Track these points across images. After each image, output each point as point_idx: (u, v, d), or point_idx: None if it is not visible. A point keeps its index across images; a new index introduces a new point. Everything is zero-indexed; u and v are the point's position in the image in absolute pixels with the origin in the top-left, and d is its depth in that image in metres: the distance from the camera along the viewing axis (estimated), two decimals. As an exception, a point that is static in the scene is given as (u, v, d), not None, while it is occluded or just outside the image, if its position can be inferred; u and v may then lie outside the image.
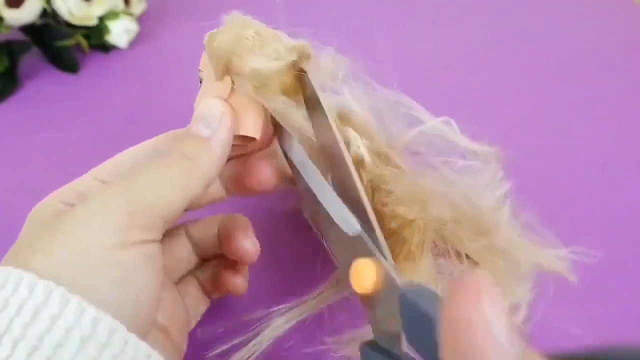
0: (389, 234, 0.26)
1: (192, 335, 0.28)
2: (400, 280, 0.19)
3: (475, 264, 0.28)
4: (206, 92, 0.24)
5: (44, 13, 0.51)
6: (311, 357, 0.29)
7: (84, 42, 0.54)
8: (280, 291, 0.33)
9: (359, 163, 0.27)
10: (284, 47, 0.24)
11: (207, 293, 0.30)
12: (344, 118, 0.31)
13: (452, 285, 0.14)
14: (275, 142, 0.26)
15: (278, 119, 0.25)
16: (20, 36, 0.53)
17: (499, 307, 0.13)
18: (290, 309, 0.28)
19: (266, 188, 0.26)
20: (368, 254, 0.20)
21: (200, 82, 0.25)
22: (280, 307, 0.28)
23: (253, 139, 0.24)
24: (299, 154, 0.24)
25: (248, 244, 0.26)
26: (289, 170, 0.26)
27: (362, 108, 0.32)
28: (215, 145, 0.22)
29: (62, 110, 0.48)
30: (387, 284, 0.19)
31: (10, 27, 0.49)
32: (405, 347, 0.18)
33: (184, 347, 0.26)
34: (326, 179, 0.23)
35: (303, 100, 0.26)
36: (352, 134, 0.28)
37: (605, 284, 0.33)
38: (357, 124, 0.31)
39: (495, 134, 0.45)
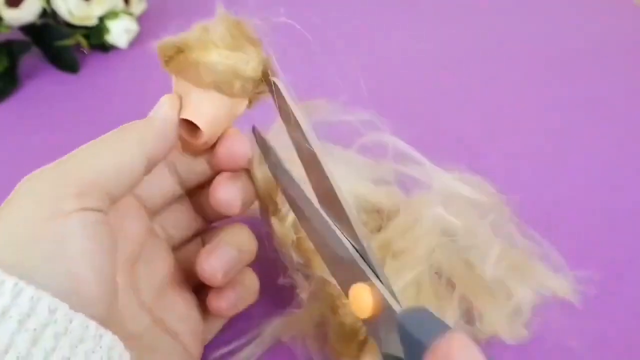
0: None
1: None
2: (397, 305, 0.19)
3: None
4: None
5: (44, 13, 0.51)
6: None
7: (84, 42, 0.54)
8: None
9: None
10: (250, 54, 0.24)
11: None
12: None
13: (432, 349, 0.14)
14: (247, 163, 0.25)
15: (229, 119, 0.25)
16: (20, 36, 0.53)
17: None
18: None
19: (231, 211, 0.25)
20: (364, 277, 0.20)
21: None
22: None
23: (199, 129, 0.23)
24: (280, 166, 0.24)
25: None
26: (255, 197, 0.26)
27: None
28: (153, 118, 0.23)
29: (62, 110, 0.48)
30: (385, 308, 0.19)
31: (10, 27, 0.49)
32: None
33: (196, 354, 0.25)
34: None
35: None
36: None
37: (605, 296, 0.32)
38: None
39: (496, 134, 0.45)
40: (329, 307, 0.27)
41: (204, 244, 0.28)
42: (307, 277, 0.27)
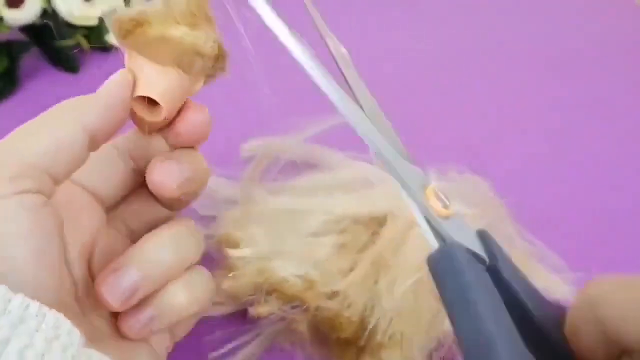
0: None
1: (194, 335, 0.28)
2: None
3: None
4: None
5: (44, 13, 0.51)
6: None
7: (84, 42, 0.54)
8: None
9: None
10: (208, 32, 0.24)
11: None
12: None
13: None
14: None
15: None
16: (20, 36, 0.53)
17: None
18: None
19: (166, 193, 0.22)
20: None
21: None
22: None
23: (156, 105, 0.22)
24: None
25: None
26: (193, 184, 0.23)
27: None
28: (98, 93, 0.21)
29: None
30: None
31: (10, 27, 0.49)
32: None
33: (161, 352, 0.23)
34: None
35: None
36: None
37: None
38: None
39: (496, 134, 0.45)
40: (327, 325, 0.27)
41: None
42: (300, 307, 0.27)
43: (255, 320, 0.28)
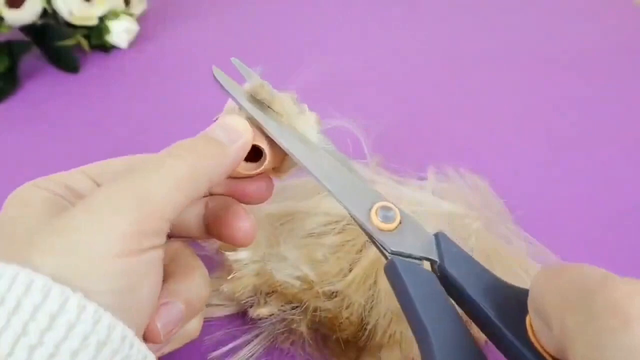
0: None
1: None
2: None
3: None
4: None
5: (44, 13, 0.51)
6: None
7: (84, 42, 0.54)
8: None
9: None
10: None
11: None
12: None
13: None
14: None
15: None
16: (21, 36, 0.53)
17: None
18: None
19: (242, 243, 0.24)
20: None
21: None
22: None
23: (262, 158, 0.23)
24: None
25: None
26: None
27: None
28: (230, 150, 0.21)
29: (62, 110, 0.48)
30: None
31: (10, 27, 0.49)
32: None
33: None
34: None
35: None
36: None
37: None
38: None
39: (496, 134, 0.45)
40: (327, 325, 0.27)
41: None
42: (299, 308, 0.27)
43: (255, 321, 0.28)
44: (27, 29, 0.51)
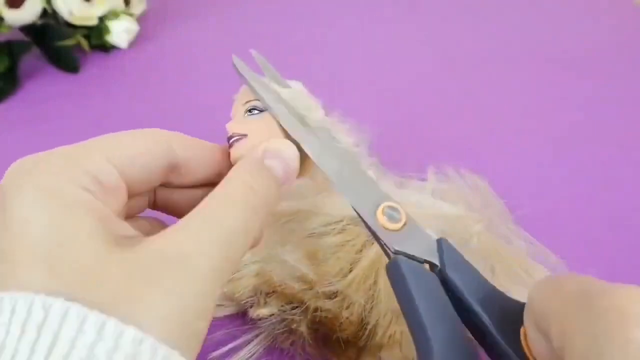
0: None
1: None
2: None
3: None
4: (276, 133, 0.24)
5: (44, 13, 0.51)
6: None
7: (84, 42, 0.54)
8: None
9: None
10: None
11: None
12: None
13: None
14: None
15: None
16: (21, 36, 0.53)
17: None
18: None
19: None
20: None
21: (251, 111, 0.24)
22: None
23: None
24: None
25: None
26: None
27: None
28: (283, 191, 0.21)
29: (62, 110, 0.48)
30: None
31: (10, 27, 0.49)
32: None
33: None
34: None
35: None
36: None
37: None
38: None
39: (496, 134, 0.45)
40: (327, 325, 0.27)
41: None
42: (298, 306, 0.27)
43: (255, 321, 0.28)
44: (27, 29, 0.52)
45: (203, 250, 0.16)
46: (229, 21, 0.61)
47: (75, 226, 0.16)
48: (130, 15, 0.57)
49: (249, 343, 0.28)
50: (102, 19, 0.54)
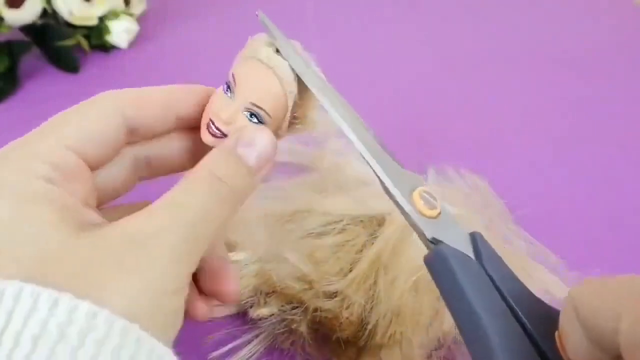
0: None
1: (194, 335, 0.28)
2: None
3: None
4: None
5: (44, 13, 0.51)
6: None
7: (84, 42, 0.54)
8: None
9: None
10: None
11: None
12: None
13: None
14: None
15: None
16: (21, 36, 0.53)
17: None
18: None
19: (229, 301, 0.23)
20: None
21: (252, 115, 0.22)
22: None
23: None
24: None
25: (235, 287, 0.23)
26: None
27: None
28: (257, 180, 0.20)
29: (62, 110, 0.48)
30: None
31: (10, 27, 0.49)
32: None
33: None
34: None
35: None
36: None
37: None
38: None
39: (496, 134, 0.45)
40: (327, 325, 0.27)
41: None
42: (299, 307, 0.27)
43: (255, 321, 0.28)
44: (27, 29, 0.51)
45: (163, 231, 0.17)
46: (229, 21, 0.61)
47: (37, 218, 0.16)
48: (130, 15, 0.57)
49: (249, 343, 0.28)
50: (102, 19, 0.54)
